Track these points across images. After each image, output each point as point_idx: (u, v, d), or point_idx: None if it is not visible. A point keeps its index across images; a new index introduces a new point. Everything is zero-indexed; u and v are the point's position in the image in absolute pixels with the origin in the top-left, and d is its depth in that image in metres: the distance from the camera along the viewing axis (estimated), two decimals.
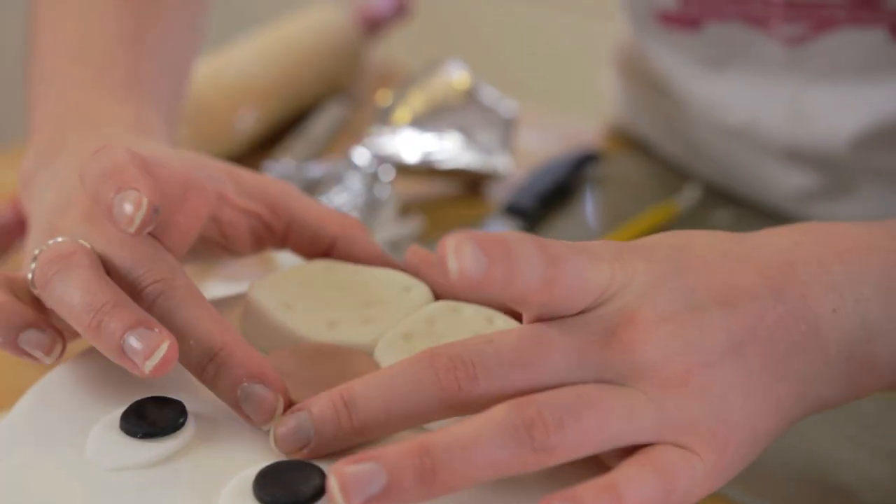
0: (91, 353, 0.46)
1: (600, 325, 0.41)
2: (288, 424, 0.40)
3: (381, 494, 0.36)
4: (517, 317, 0.45)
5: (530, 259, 0.39)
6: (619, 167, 0.88)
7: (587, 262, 0.41)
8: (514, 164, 0.84)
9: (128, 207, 0.42)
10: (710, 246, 0.44)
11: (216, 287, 0.71)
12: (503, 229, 0.77)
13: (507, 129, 0.84)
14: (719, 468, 0.41)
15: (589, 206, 0.84)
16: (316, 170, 0.78)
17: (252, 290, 0.48)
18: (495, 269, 0.38)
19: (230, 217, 0.50)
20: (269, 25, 0.99)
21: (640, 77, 0.88)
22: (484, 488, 0.39)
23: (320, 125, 0.91)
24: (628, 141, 0.92)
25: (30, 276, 0.45)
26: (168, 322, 0.43)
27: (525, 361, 0.40)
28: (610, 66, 0.93)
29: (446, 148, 0.83)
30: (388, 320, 0.46)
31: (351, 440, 0.40)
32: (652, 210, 0.80)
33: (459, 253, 0.37)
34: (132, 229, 0.43)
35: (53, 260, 0.44)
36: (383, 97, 0.85)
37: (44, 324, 0.44)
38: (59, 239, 0.45)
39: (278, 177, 0.78)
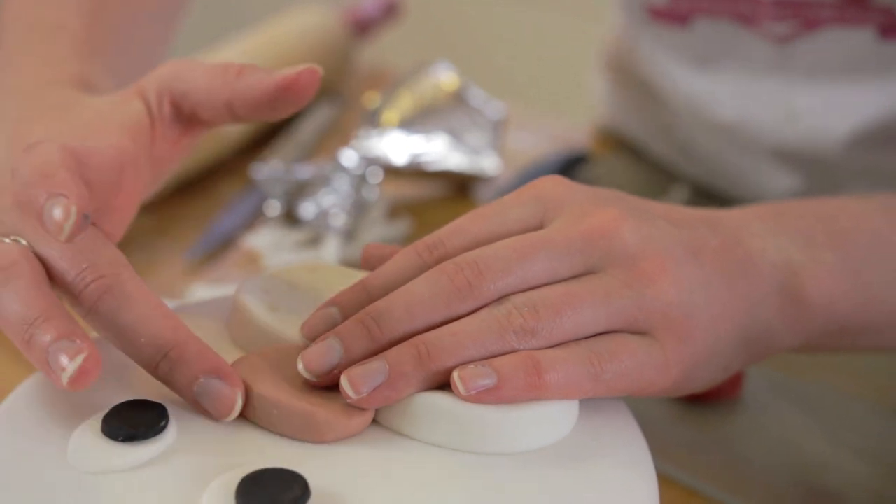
0: None
1: (571, 222, 0.45)
2: (316, 348, 0.42)
3: (386, 382, 0.41)
4: None
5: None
6: (608, 168, 0.88)
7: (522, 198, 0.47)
8: (502, 166, 0.84)
9: (57, 213, 0.41)
10: (648, 200, 0.49)
11: (201, 290, 0.71)
12: None
13: (495, 130, 0.84)
14: (682, 360, 0.44)
15: None
16: (304, 171, 0.78)
17: (238, 292, 0.47)
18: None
19: (163, 153, 0.50)
20: (257, 27, 0.99)
21: (628, 77, 0.88)
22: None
23: (308, 127, 0.91)
24: (617, 142, 0.92)
25: None
26: (115, 321, 0.42)
27: (520, 255, 0.44)
28: (598, 67, 0.93)
29: (434, 149, 0.83)
30: None
31: (378, 351, 0.42)
32: None
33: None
34: (62, 237, 0.42)
35: None
36: (371, 99, 0.85)
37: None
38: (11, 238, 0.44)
39: (267, 179, 0.78)
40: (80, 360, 0.40)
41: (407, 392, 0.41)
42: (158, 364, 0.42)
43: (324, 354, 0.42)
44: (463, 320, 0.43)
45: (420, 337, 0.42)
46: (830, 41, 0.72)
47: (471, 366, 0.41)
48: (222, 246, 0.77)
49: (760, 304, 0.47)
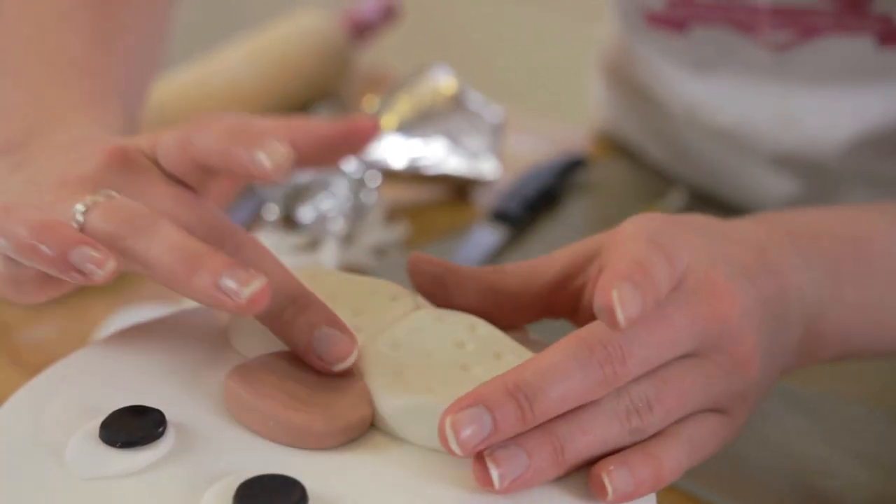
0: (71, 362, 0.46)
1: (696, 297, 0.44)
2: (468, 424, 0.40)
3: (523, 476, 0.41)
4: (495, 323, 0.47)
5: (663, 271, 0.43)
6: (606, 172, 0.88)
7: (681, 246, 0.45)
8: (500, 170, 0.84)
9: (263, 158, 0.43)
10: (709, 224, 0.48)
11: None
12: (489, 235, 0.77)
13: (493, 134, 0.84)
14: (742, 423, 0.47)
15: (576, 211, 0.84)
16: (303, 175, 0.78)
17: None
18: (648, 298, 0.41)
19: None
20: (256, 31, 0.99)
21: (626, 81, 0.88)
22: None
23: None
24: (615, 146, 0.92)
25: (74, 225, 0.44)
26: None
27: (656, 342, 0.43)
28: (597, 71, 0.93)
29: (433, 153, 0.83)
30: (373, 328, 0.46)
31: (527, 428, 0.41)
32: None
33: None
34: (269, 174, 0.43)
35: (126, 219, 0.43)
36: (370, 103, 0.85)
37: (96, 244, 0.42)
38: (111, 193, 0.44)
39: (266, 184, 0.78)
40: (259, 282, 0.41)
41: (537, 485, 0.41)
42: (285, 308, 0.44)
43: (474, 427, 0.40)
44: (592, 414, 0.42)
45: (555, 432, 0.41)
46: (829, 49, 0.72)
47: (612, 467, 0.42)
48: None
49: (789, 345, 0.48)
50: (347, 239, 0.77)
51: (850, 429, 0.60)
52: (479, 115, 0.84)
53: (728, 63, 0.77)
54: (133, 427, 0.41)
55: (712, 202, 0.83)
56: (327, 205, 0.77)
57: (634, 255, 0.42)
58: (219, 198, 0.51)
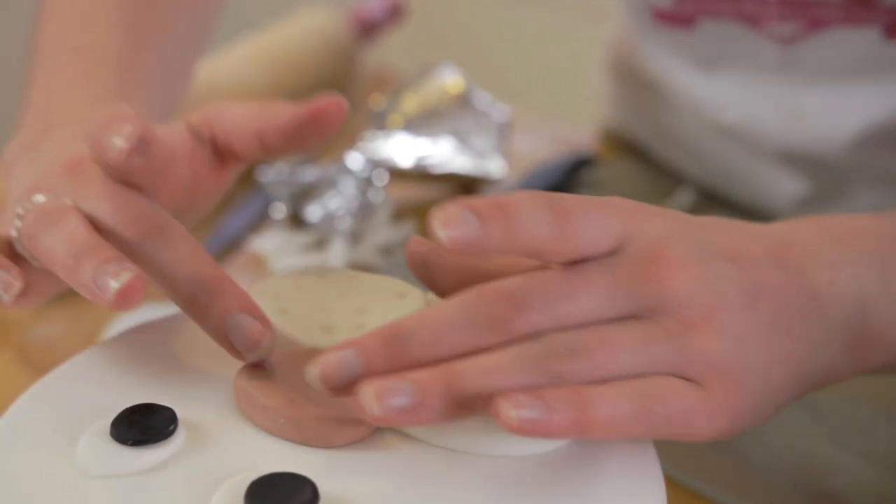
0: (80, 361, 0.46)
1: (629, 261, 0.43)
2: (332, 358, 0.40)
3: (411, 407, 0.39)
4: None
5: (535, 212, 0.41)
6: (613, 171, 0.88)
7: (600, 209, 0.43)
8: (507, 169, 0.84)
9: (117, 139, 0.44)
10: (714, 219, 0.47)
11: None
12: None
13: (500, 133, 0.84)
14: (732, 409, 0.42)
15: None
16: (310, 174, 0.78)
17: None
18: (492, 228, 0.40)
19: (200, 174, 0.52)
20: (263, 30, 0.99)
21: (633, 79, 0.88)
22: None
23: None
24: (622, 144, 0.92)
25: (14, 232, 0.46)
26: (158, 258, 0.45)
27: (564, 294, 0.42)
28: (603, 70, 0.93)
29: (440, 152, 0.83)
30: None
31: (400, 369, 0.40)
32: None
33: (448, 221, 0.40)
34: (118, 157, 0.44)
35: (40, 216, 0.45)
36: (377, 101, 0.85)
37: (9, 265, 0.45)
38: (42, 198, 0.46)
39: (272, 181, 0.78)
40: (126, 276, 0.42)
41: (428, 422, 0.39)
42: (196, 297, 0.44)
43: (340, 366, 0.40)
44: (494, 355, 0.40)
45: (449, 365, 0.40)
46: (836, 42, 0.72)
47: (520, 395, 0.39)
48: (228, 249, 0.77)
49: (823, 344, 0.45)
50: (355, 238, 0.77)
51: (858, 428, 0.60)
52: (486, 114, 0.84)
53: (735, 59, 0.77)
54: (144, 425, 0.41)
55: (720, 200, 0.83)
56: (335, 203, 0.77)
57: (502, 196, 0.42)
58: (207, 185, 0.52)
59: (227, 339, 0.44)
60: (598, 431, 0.40)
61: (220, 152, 0.52)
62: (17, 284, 0.45)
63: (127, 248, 0.45)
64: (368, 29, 1.03)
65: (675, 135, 0.85)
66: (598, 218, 0.43)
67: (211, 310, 0.44)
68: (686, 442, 0.43)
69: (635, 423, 0.41)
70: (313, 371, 0.40)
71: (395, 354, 0.40)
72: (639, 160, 0.90)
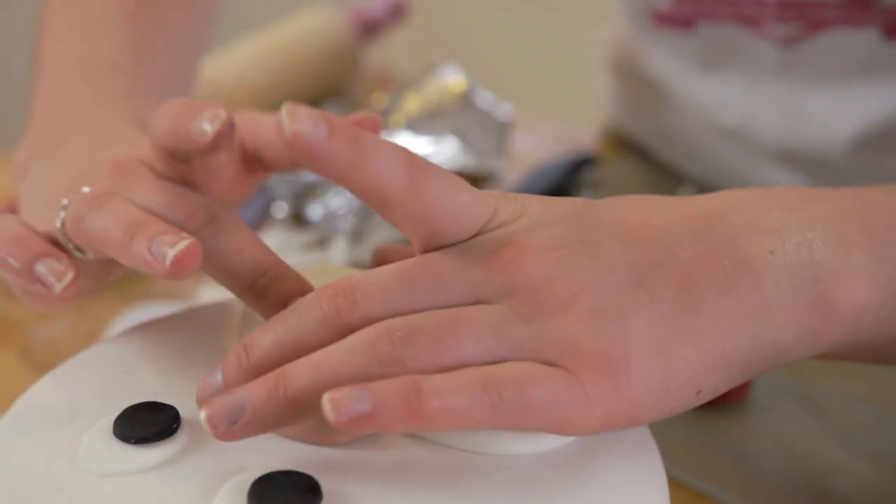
0: (82, 359, 0.46)
1: (480, 248, 0.41)
2: (204, 387, 0.41)
3: (246, 420, 0.38)
4: None
5: (388, 154, 0.39)
6: (615, 170, 0.88)
7: (464, 187, 0.41)
8: (509, 168, 0.84)
9: (206, 125, 0.43)
10: (637, 201, 0.43)
11: (210, 292, 0.71)
12: None
13: (502, 132, 0.84)
14: (615, 395, 0.39)
15: None
16: (312, 173, 0.78)
17: None
18: (338, 144, 0.38)
19: (224, 180, 0.52)
20: (265, 29, 0.99)
21: (634, 79, 0.88)
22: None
23: None
24: (623, 144, 0.92)
25: (58, 223, 0.46)
26: (218, 244, 0.45)
27: (402, 283, 0.40)
28: (605, 69, 0.93)
29: (442, 151, 0.83)
30: None
31: (250, 378, 0.40)
32: None
33: (297, 116, 0.38)
34: (206, 139, 0.43)
35: (89, 200, 0.45)
36: (379, 100, 0.85)
37: (60, 254, 0.45)
38: (89, 190, 0.46)
39: (274, 180, 0.78)
40: (183, 245, 0.42)
41: (270, 428, 0.39)
42: (256, 280, 0.44)
43: (206, 393, 0.41)
44: (327, 348, 0.39)
45: (281, 369, 0.39)
46: (835, 43, 0.72)
47: (346, 388, 0.36)
48: None
49: (758, 318, 0.41)
50: (356, 236, 0.77)
51: (860, 428, 0.60)
52: (488, 113, 0.84)
53: (735, 60, 0.77)
54: (147, 423, 0.41)
55: None
56: (336, 202, 0.77)
57: None
58: (231, 191, 0.52)
59: None
60: (439, 422, 0.37)
61: (248, 160, 0.51)
62: (70, 273, 0.45)
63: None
64: (370, 28, 1.03)
65: (676, 135, 0.85)
66: (460, 195, 0.41)
67: (268, 293, 0.44)
68: (569, 435, 0.41)
69: (485, 412, 0.37)
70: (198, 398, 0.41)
71: (241, 366, 0.40)
72: (640, 160, 0.90)
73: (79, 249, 0.46)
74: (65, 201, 0.46)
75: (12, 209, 0.75)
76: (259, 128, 0.50)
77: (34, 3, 0.66)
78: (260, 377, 0.39)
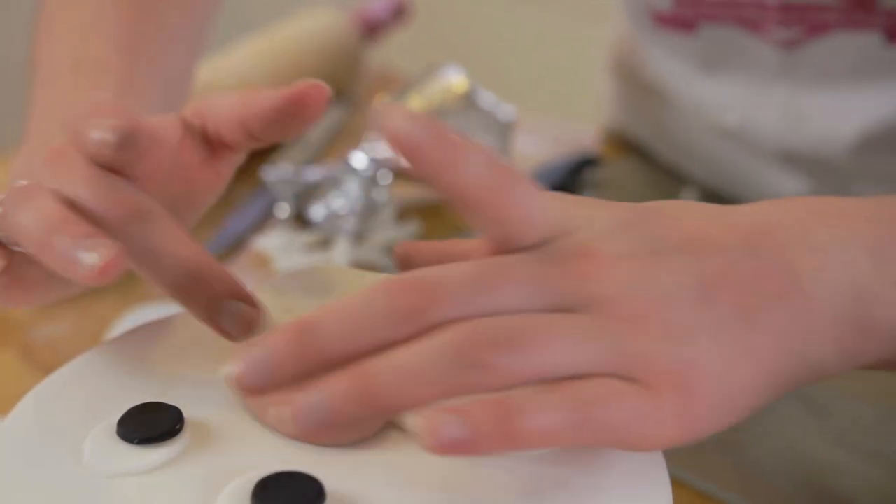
0: (85, 360, 0.46)
1: (557, 256, 0.40)
2: (243, 362, 0.38)
3: (329, 422, 0.37)
4: None
5: (476, 156, 0.39)
6: (617, 171, 0.88)
7: (541, 192, 0.41)
8: None
9: (99, 131, 0.43)
10: (685, 207, 0.44)
11: None
12: None
13: (504, 133, 0.84)
14: (686, 413, 0.39)
15: None
16: (314, 174, 0.78)
17: (253, 294, 0.47)
18: (430, 142, 0.38)
19: (189, 165, 0.50)
20: (267, 29, 0.99)
21: (636, 80, 0.88)
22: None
23: (318, 129, 0.91)
24: (625, 145, 0.92)
25: None
26: (143, 243, 0.43)
27: (484, 285, 0.39)
28: (607, 70, 0.93)
29: None
30: None
31: (312, 370, 0.38)
32: None
33: (395, 113, 0.38)
34: (96, 145, 0.43)
35: (14, 195, 0.44)
36: (381, 101, 0.85)
37: None
38: (22, 182, 0.45)
39: (277, 181, 0.78)
40: (102, 251, 0.40)
41: (353, 437, 0.39)
42: (183, 285, 0.43)
43: (252, 368, 0.38)
44: (407, 349, 0.38)
45: (364, 368, 0.38)
46: (837, 45, 0.72)
47: (442, 414, 0.36)
48: (232, 248, 0.78)
49: (807, 336, 0.41)
50: (359, 237, 0.77)
51: (862, 427, 0.60)
52: (490, 113, 0.84)
53: (735, 62, 0.77)
54: (150, 424, 0.41)
55: (722, 201, 0.82)
56: (339, 203, 0.77)
57: None
58: (203, 179, 0.51)
59: (218, 325, 0.44)
60: (533, 443, 0.37)
61: (211, 143, 0.51)
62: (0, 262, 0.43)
63: (110, 233, 0.43)
64: (372, 29, 1.03)
65: (678, 136, 0.85)
66: (538, 199, 0.40)
67: (198, 297, 0.43)
68: (641, 451, 0.40)
69: (574, 431, 0.37)
70: (227, 373, 0.38)
71: (304, 352, 0.38)
72: (642, 161, 0.90)
73: (16, 244, 0.44)
74: (2, 196, 0.45)
75: None
76: (216, 109, 0.50)
77: (34, 3, 0.66)
78: (339, 373, 0.37)
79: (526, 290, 0.39)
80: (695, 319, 0.40)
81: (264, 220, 0.80)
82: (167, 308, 0.67)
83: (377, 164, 0.79)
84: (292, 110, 0.48)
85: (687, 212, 0.43)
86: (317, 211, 0.77)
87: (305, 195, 0.78)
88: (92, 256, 0.40)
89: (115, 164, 0.45)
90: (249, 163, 0.85)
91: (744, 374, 0.40)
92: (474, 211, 0.40)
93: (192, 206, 0.52)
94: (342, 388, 0.37)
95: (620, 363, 0.38)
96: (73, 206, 0.44)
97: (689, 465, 0.57)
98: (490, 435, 0.36)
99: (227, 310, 0.43)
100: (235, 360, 0.38)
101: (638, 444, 0.39)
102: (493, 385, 0.37)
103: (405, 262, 0.47)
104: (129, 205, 0.44)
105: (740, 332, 0.40)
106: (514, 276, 0.40)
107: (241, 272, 0.75)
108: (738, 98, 0.79)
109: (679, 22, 0.78)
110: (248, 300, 0.44)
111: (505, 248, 0.41)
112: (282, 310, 0.47)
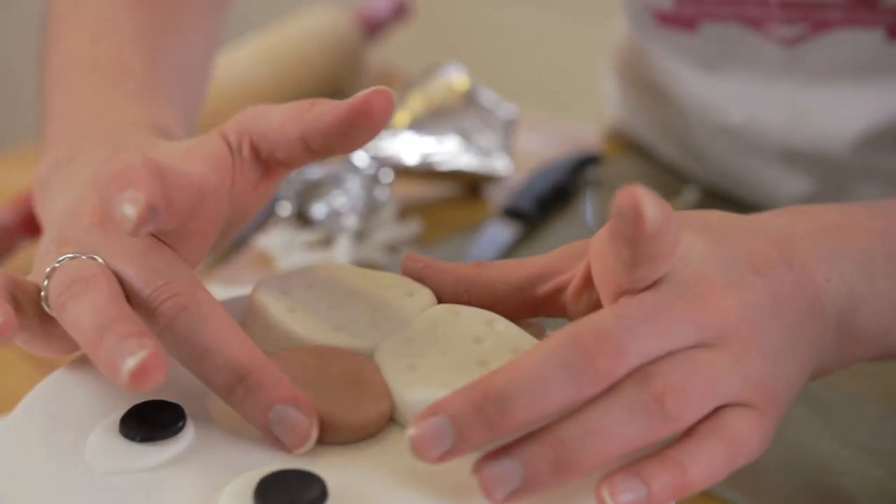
0: (88, 359, 0.46)
1: (688, 291, 0.41)
2: (426, 430, 0.38)
3: (522, 489, 0.38)
4: (510, 318, 0.46)
5: (657, 210, 0.39)
6: (618, 170, 0.88)
7: (678, 225, 0.41)
8: (512, 167, 0.84)
9: (128, 208, 0.41)
10: (724, 220, 0.46)
11: (214, 290, 0.71)
12: (502, 232, 0.77)
13: (505, 131, 0.84)
14: (775, 426, 0.43)
15: (588, 208, 0.84)
16: (316, 172, 0.78)
17: (256, 293, 0.47)
18: (668, 226, 0.39)
19: (243, 192, 0.49)
20: (268, 28, 0.99)
21: (638, 79, 0.88)
22: None
23: None
24: (627, 143, 0.92)
25: (43, 293, 0.44)
26: (190, 340, 0.41)
27: (654, 333, 0.40)
28: (608, 69, 0.93)
29: (445, 150, 0.83)
30: (390, 324, 0.46)
31: (498, 439, 0.38)
32: None
33: (647, 204, 0.37)
34: (129, 228, 0.41)
35: (69, 284, 0.42)
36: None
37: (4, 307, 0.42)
38: (71, 255, 0.44)
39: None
40: (142, 354, 0.38)
41: (540, 493, 0.38)
42: (233, 389, 0.41)
43: (434, 437, 0.38)
44: (595, 410, 0.38)
45: (556, 436, 0.38)
46: (839, 43, 0.72)
47: (618, 478, 0.38)
48: (234, 247, 0.78)
49: (820, 344, 0.45)
50: (360, 235, 0.77)
51: (864, 425, 0.60)
52: (491, 111, 0.84)
53: (738, 60, 0.77)
54: (153, 422, 0.41)
55: (725, 200, 0.83)
56: (340, 201, 0.77)
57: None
58: (254, 198, 0.49)
59: (271, 432, 0.41)
60: (698, 488, 0.39)
61: (264, 162, 0.49)
62: (10, 331, 0.41)
63: (154, 321, 0.42)
64: (374, 28, 1.03)
65: (680, 134, 0.85)
66: (678, 231, 0.40)
67: (250, 404, 0.41)
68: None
69: (727, 467, 0.40)
70: (408, 439, 0.38)
71: (492, 424, 0.38)
72: (644, 159, 0.90)
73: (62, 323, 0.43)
74: (48, 268, 0.44)
75: (16, 208, 0.75)
76: (267, 126, 0.48)
77: (34, 3, 0.66)
78: (531, 442, 0.38)
79: (683, 329, 0.40)
80: (775, 338, 0.43)
81: (266, 218, 0.80)
82: None
83: (379, 162, 0.79)
84: (358, 121, 0.45)
85: (729, 225, 0.45)
86: (318, 209, 0.77)
87: (307, 193, 0.78)
88: (130, 361, 0.38)
89: (166, 234, 0.44)
90: None
91: (800, 382, 0.44)
92: (632, 247, 0.40)
93: (243, 222, 0.50)
94: (536, 458, 0.38)
95: (745, 393, 0.41)
96: (120, 280, 0.43)
97: None
98: (664, 489, 0.39)
99: (279, 418, 0.40)
100: (416, 428, 0.38)
101: (745, 460, 0.41)
102: (672, 434, 0.40)
103: (416, 277, 0.48)
104: (177, 293, 0.42)
105: (795, 343, 0.43)
106: (663, 315, 0.40)
107: (243, 271, 0.75)
108: (741, 96, 0.79)
109: (680, 20, 0.78)
110: (302, 406, 0.41)
111: (642, 282, 0.41)
112: (284, 309, 0.47)
